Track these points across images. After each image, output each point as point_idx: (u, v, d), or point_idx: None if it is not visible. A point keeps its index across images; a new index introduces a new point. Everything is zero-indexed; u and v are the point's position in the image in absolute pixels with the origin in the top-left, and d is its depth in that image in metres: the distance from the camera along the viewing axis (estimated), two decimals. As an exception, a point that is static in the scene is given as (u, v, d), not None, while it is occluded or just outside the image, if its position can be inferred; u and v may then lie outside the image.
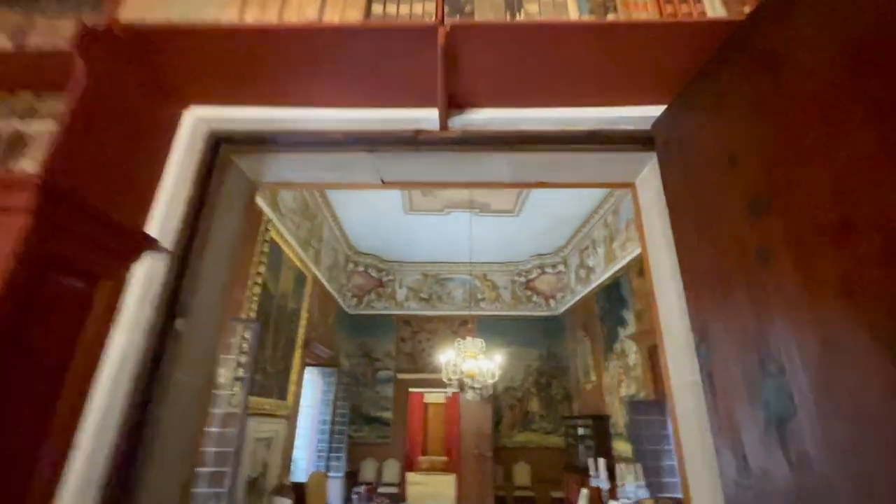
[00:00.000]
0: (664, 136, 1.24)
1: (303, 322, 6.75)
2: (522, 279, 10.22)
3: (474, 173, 1.55)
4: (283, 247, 5.89)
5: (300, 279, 6.67)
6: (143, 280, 1.19)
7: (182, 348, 1.23)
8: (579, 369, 8.55)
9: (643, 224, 1.54)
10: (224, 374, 4.18)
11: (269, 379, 5.55)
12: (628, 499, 4.20)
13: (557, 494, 8.26)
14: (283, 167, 1.55)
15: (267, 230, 5.32)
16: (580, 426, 7.63)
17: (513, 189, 7.13)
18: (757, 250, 0.84)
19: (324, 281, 8.06)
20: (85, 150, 1.08)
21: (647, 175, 1.48)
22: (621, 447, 6.66)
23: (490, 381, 5.37)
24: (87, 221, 1.01)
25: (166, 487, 1.17)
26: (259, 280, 5.05)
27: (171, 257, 1.24)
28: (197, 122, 1.38)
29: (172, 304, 1.23)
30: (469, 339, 5.56)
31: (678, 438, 1.27)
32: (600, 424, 7.14)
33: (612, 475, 5.90)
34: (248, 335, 4.45)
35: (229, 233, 1.50)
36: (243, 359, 4.28)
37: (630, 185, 1.60)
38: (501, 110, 1.34)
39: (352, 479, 8.68)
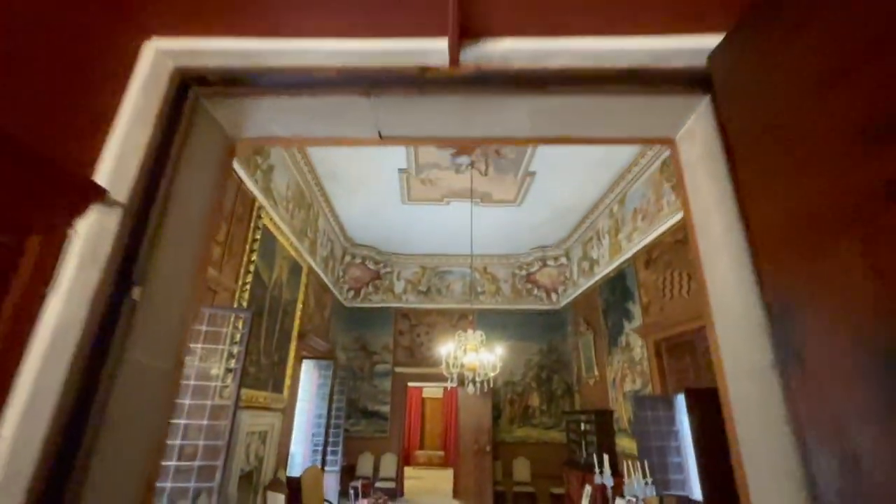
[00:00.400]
0: (726, 68, 1.02)
1: (298, 313, 6.54)
2: (523, 272, 10.02)
3: (488, 125, 1.33)
4: (277, 235, 5.67)
5: (295, 269, 6.45)
6: (90, 238, 0.97)
7: (140, 323, 1.01)
8: (581, 364, 8.38)
9: (686, 186, 1.33)
10: (215, 365, 3.97)
11: (264, 371, 5.34)
12: (634, 496, 4.02)
13: (558, 490, 8.10)
14: (265, 117, 1.32)
15: (259, 217, 5.09)
16: (582, 421, 7.46)
17: (517, 183, 6.93)
18: (883, 186, 0.63)
19: (320, 272, 7.84)
20: (10, 71, 0.86)
21: (694, 127, 1.27)
22: (625, 443, 6.49)
23: (491, 374, 5.18)
24: (7, 158, 0.79)
25: (119, 488, 0.96)
26: (251, 268, 4.83)
27: (125, 213, 1.02)
28: (160, 56, 1.16)
29: (127, 268, 1.01)
30: (470, 331, 5.36)
31: (735, 438, 1.07)
32: (603, 420, 6.97)
33: (616, 472, 5.74)
34: (240, 325, 4.23)
35: (202, 193, 1.28)
36: (235, 349, 4.07)
37: (669, 142, 1.39)
38: (524, 40, 1.12)
39: (349, 473, 8.51)
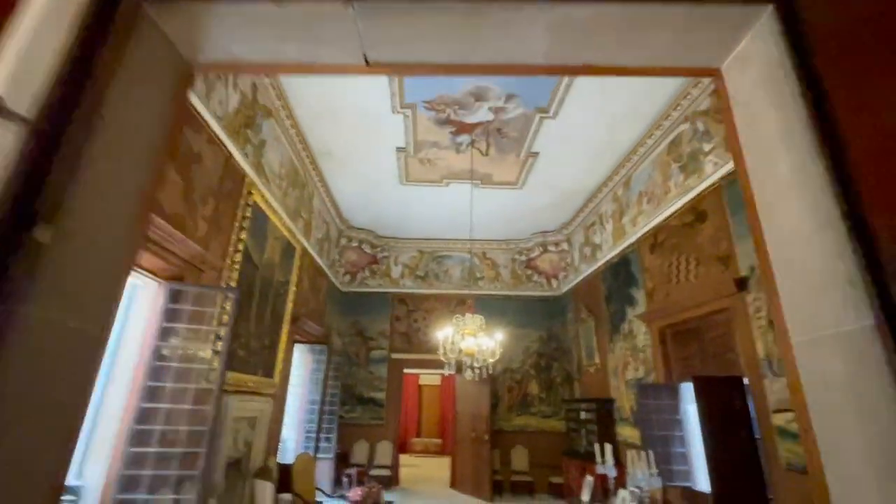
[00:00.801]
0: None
1: (291, 296, 6.32)
2: (523, 258, 9.80)
3: (496, 44, 1.09)
4: (269, 214, 5.42)
5: (288, 251, 6.22)
6: (-27, 158, 0.74)
7: (48, 271, 0.79)
8: (582, 351, 8.21)
9: (736, 124, 1.10)
10: (200, 347, 3.76)
11: (254, 355, 5.14)
12: (638, 487, 3.86)
13: (556, 480, 7.99)
14: (225, 33, 1.08)
15: (249, 193, 4.84)
16: (583, 410, 7.32)
17: (519, 164, 6.66)
18: None
19: (314, 254, 7.61)
20: None
21: (749, 49, 1.03)
22: (627, 432, 6.35)
23: (490, 361, 4.99)
24: None
25: (12, 488, 0.74)
26: (240, 247, 4.60)
27: (29, 129, 0.79)
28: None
29: (28, 201, 0.78)
30: (468, 315, 5.16)
31: (806, 422, 0.85)
32: (604, 408, 6.81)
33: (617, 461, 5.59)
34: (227, 306, 4.01)
35: (146, 122, 1.04)
36: (222, 331, 3.85)
37: (713, 73, 1.15)
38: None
39: (343, 461, 8.38)
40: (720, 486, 3.83)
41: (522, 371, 9.25)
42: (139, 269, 3.39)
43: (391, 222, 9.19)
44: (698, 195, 4.96)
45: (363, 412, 8.98)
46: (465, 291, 9.51)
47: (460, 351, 5.08)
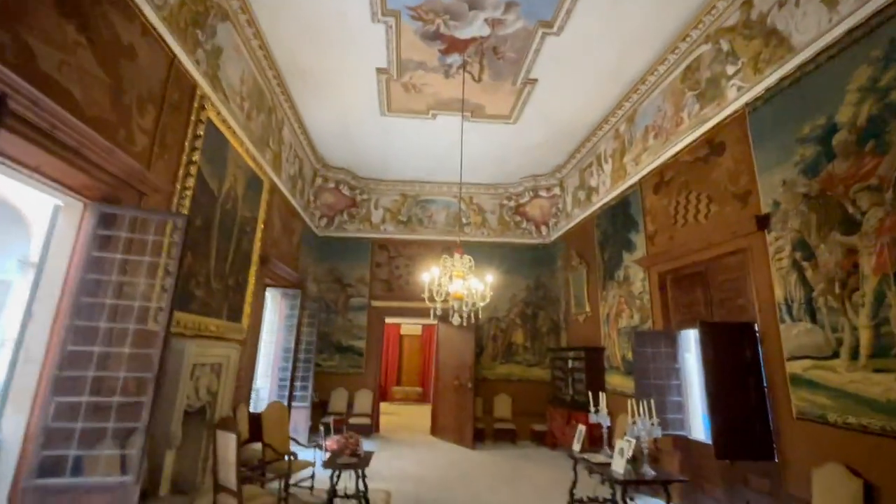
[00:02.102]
0: None
1: (258, 235, 5.69)
2: (512, 203, 9.28)
3: None
4: (229, 137, 4.68)
5: (254, 184, 5.52)
6: None
7: None
8: (571, 300, 7.92)
9: None
10: (143, 283, 3.17)
11: (216, 297, 4.58)
12: (636, 437, 3.59)
13: (539, 427, 7.93)
14: None
15: (202, 108, 4.09)
16: (570, 359, 7.11)
17: (515, 93, 5.95)
18: None
19: (286, 192, 6.91)
20: None
21: None
22: (616, 381, 6.16)
23: (480, 304, 4.57)
24: None
25: None
26: (193, 171, 3.90)
27: None
28: None
29: None
30: (457, 255, 4.67)
31: None
32: (593, 357, 6.60)
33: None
34: (176, 236, 3.39)
35: None
36: (171, 265, 3.26)
37: None
38: None
39: (321, 409, 8.12)
40: (723, 435, 3.59)
41: (508, 320, 8.98)
42: (55, 184, 2.72)
43: (371, 162, 8.45)
44: (716, 125, 4.44)
45: (342, 360, 8.65)
46: (451, 238, 9.02)
47: (447, 294, 4.62)
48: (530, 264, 9.25)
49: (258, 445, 4.81)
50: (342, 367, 8.63)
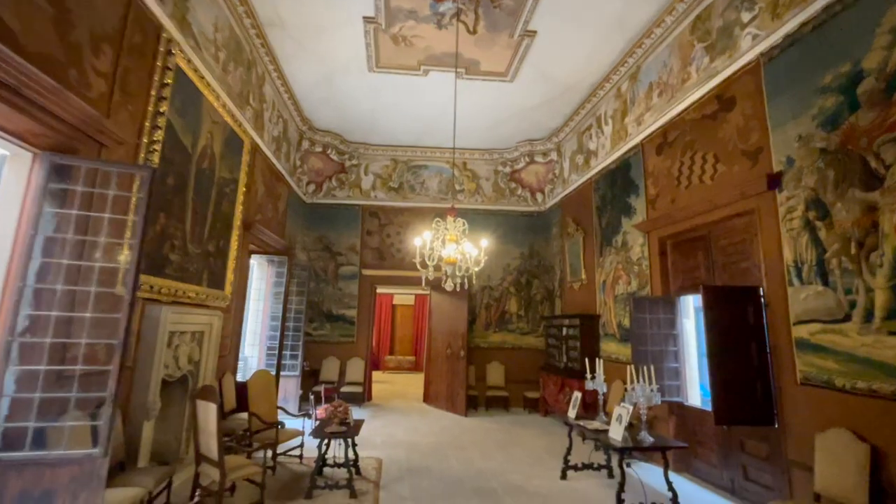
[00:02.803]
0: None
1: (240, 198, 5.38)
2: (507, 169, 8.97)
3: None
4: (202, 89, 4.31)
5: (233, 143, 5.17)
6: None
7: None
8: (566, 267, 7.76)
9: None
10: (106, 242, 2.90)
11: (194, 262, 4.32)
12: (635, 403, 3.47)
13: (532, 394, 7.92)
14: None
15: (170, 53, 3.71)
16: (565, 326, 7.01)
17: (512, 47, 5.57)
18: None
19: (269, 155, 6.55)
20: None
21: None
22: (612, 348, 6.07)
23: (475, 269, 4.37)
24: None
25: None
26: (161, 123, 3.56)
27: None
28: None
29: None
30: (450, 219, 4.43)
31: None
32: (588, 324, 6.49)
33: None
34: (142, 192, 3.10)
35: None
36: (138, 223, 2.98)
37: None
38: None
39: (313, 378, 8.03)
40: (724, 400, 3.48)
41: (501, 289, 8.84)
42: (-5, 130, 2.41)
43: (360, 124, 8.05)
44: (727, 79, 4.15)
45: (332, 330, 8.50)
46: (444, 205, 8.74)
47: (440, 259, 4.41)
48: (525, 232, 9.04)
49: (245, 415, 4.67)
50: (333, 336, 8.49)
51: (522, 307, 8.79)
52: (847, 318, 2.95)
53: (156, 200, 3.56)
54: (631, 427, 3.60)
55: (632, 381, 3.57)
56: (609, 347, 6.12)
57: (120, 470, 3.14)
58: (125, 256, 3.08)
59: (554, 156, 8.35)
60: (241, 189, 5.41)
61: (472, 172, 9.16)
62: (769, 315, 3.55)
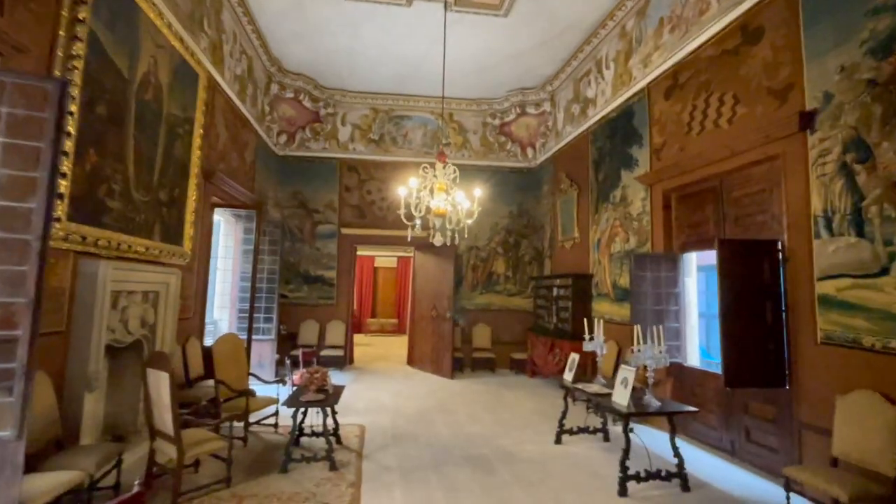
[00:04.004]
0: None
1: (197, 141, 4.72)
2: (496, 121, 8.38)
3: None
4: (139, 1, 3.56)
5: (185, 75, 4.45)
6: None
7: None
8: (558, 226, 7.38)
9: None
10: (4, 173, 2.31)
11: (141, 211, 3.73)
12: (643, 365, 3.17)
13: (519, 356, 7.72)
14: None
15: (92, -52, 2.96)
16: (556, 287, 6.70)
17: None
18: None
19: (231, 95, 5.80)
20: None
21: None
22: (605, 308, 5.80)
23: (467, 222, 3.92)
24: None
25: None
26: (81, 33, 2.86)
27: None
28: None
29: None
30: (439, 165, 3.92)
31: None
32: (581, 284, 6.19)
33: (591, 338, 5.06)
34: (49, 112, 2.48)
35: None
36: (46, 151, 2.38)
37: None
38: None
39: (291, 342, 7.62)
40: (736, 362, 3.22)
41: (489, 249, 8.46)
42: None
43: (336, 67, 7.27)
44: (755, 5, 3.65)
45: (311, 291, 8.03)
46: (429, 160, 8.14)
47: (428, 211, 3.93)
48: (514, 189, 8.58)
49: (209, 383, 4.24)
50: (312, 299, 8.03)
51: (510, 268, 8.46)
52: (884, 271, 2.64)
53: (84, 133, 2.94)
54: (633, 390, 3.32)
55: (637, 343, 3.25)
56: (602, 308, 5.85)
57: (58, 449, 2.69)
58: (26, 187, 2.50)
59: (547, 106, 7.79)
60: (198, 131, 4.73)
61: (459, 125, 8.54)
62: (789, 270, 3.24)
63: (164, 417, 2.79)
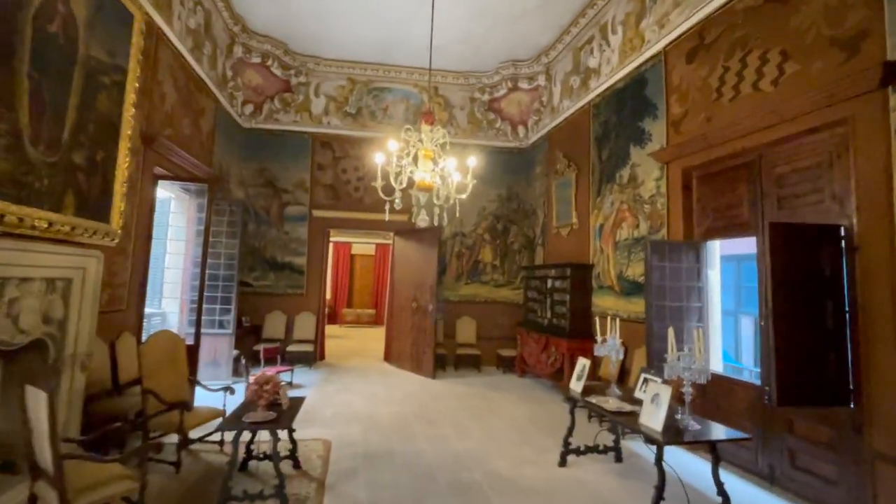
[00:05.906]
0: None
1: (132, 96, 3.85)
2: (485, 97, 7.64)
3: None
4: None
5: (113, 12, 3.56)
6: None
7: None
8: (553, 211, 6.73)
9: None
10: None
11: (43, 174, 2.89)
12: (680, 377, 2.53)
13: (507, 353, 7.10)
14: None
15: None
16: (551, 278, 6.07)
17: None
18: None
19: (184, 51, 4.91)
20: None
21: None
22: (608, 303, 5.19)
23: (460, 197, 3.22)
24: None
25: None
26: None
27: None
28: None
29: None
30: (425, 126, 3.19)
31: None
32: (580, 275, 5.56)
33: (591, 335, 4.44)
34: None
35: None
36: None
37: None
38: None
39: (255, 336, 6.81)
40: (789, 375, 2.63)
41: (475, 235, 7.77)
42: None
43: (309, 29, 6.40)
44: (813, -60, 3.01)
45: (278, 280, 7.21)
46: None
47: (411, 185, 3.20)
48: (503, 171, 7.89)
49: (135, 390, 3.46)
50: (279, 288, 7.22)
51: (498, 256, 7.80)
52: None
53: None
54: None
55: (671, 349, 2.62)
56: (604, 302, 5.25)
57: None
58: None
59: (542, 80, 7.09)
60: (133, 83, 3.85)
61: (445, 100, 7.77)
62: (857, 262, 2.65)
63: (44, 451, 2.02)
